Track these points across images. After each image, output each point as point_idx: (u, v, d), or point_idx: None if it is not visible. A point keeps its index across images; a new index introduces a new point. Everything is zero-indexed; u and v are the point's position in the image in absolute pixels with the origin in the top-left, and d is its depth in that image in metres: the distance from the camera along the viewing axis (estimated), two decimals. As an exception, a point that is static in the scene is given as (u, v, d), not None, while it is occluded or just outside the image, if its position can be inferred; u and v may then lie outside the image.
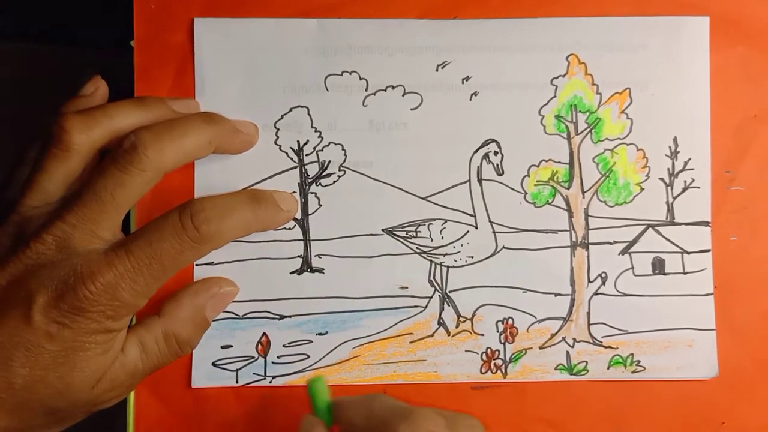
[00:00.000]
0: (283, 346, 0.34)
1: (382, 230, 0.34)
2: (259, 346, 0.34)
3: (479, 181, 0.34)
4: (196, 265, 0.34)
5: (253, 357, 0.34)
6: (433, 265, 0.34)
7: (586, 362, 0.35)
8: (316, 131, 0.34)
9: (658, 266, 0.35)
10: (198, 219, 0.29)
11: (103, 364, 0.29)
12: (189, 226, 0.29)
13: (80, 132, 0.29)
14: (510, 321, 0.34)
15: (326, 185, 0.34)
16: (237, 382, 0.34)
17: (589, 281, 0.35)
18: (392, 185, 0.34)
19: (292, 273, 0.34)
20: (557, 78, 0.34)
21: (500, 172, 0.34)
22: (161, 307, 0.32)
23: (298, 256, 0.34)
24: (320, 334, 0.34)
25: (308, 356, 0.34)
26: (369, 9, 0.34)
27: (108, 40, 0.37)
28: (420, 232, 0.34)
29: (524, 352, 0.35)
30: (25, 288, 0.27)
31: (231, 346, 0.34)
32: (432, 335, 0.34)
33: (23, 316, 0.27)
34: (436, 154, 0.34)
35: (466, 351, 0.34)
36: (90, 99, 0.32)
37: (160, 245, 0.28)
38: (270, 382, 0.34)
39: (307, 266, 0.34)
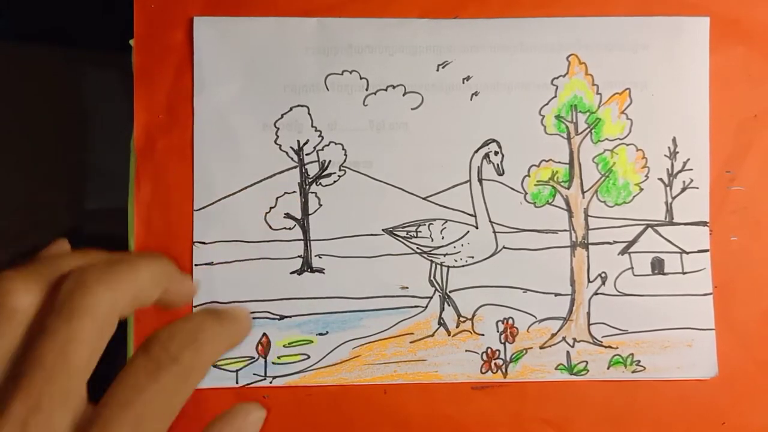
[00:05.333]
0: (284, 346, 0.34)
1: (383, 230, 0.34)
2: (259, 346, 0.34)
3: (479, 181, 0.34)
4: (196, 265, 0.33)
5: (253, 357, 0.34)
6: (434, 265, 0.34)
7: (587, 362, 0.34)
8: (316, 131, 0.34)
9: (658, 266, 0.35)
10: (175, 346, 0.20)
11: None
12: (164, 359, 0.19)
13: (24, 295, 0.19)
14: (510, 321, 0.34)
15: (326, 185, 0.34)
16: (237, 382, 0.34)
17: (589, 281, 0.35)
18: (392, 185, 0.34)
19: (292, 273, 0.34)
20: (558, 78, 0.34)
21: (500, 172, 0.34)
22: None
23: (299, 256, 0.34)
24: (321, 334, 0.34)
25: (308, 356, 0.34)
26: (369, 8, 0.34)
27: (108, 40, 0.37)
28: (420, 232, 0.34)
29: (524, 351, 0.35)
30: None
31: (231, 346, 0.34)
32: (432, 335, 0.34)
33: None
34: (436, 154, 0.34)
35: (466, 351, 0.34)
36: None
37: (140, 397, 0.19)
38: (270, 382, 0.34)
39: (307, 266, 0.34)
